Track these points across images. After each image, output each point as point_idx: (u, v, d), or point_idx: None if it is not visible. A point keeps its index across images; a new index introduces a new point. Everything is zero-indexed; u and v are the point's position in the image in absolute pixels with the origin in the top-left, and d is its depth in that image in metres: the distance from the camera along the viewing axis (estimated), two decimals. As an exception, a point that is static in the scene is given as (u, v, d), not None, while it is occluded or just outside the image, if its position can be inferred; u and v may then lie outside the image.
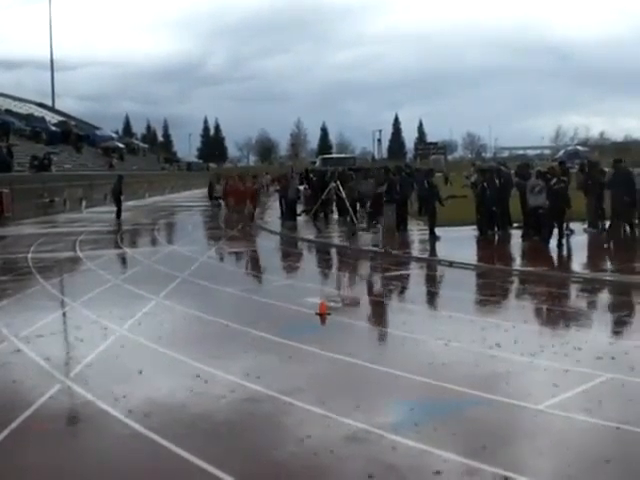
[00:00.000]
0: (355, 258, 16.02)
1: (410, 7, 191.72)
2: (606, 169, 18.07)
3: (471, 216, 18.46)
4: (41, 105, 68.81)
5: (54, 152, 42.91)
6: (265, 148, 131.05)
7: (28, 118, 52.03)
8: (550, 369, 6.71)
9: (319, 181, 26.71)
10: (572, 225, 17.00)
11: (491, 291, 11.50)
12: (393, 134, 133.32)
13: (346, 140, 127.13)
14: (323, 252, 17.71)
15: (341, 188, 22.96)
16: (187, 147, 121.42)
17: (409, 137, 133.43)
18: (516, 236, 17.24)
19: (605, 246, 15.86)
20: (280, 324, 8.92)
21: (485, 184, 17.70)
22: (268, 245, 19.78)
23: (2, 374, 7.14)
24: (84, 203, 37.06)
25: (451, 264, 13.75)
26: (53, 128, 52.27)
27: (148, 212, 35.27)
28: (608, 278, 11.70)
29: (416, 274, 13.84)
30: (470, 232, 17.97)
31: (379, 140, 62.92)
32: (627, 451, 4.89)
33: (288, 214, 25.38)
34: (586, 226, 17.77)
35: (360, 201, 24.27)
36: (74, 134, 53.57)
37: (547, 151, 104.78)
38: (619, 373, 6.44)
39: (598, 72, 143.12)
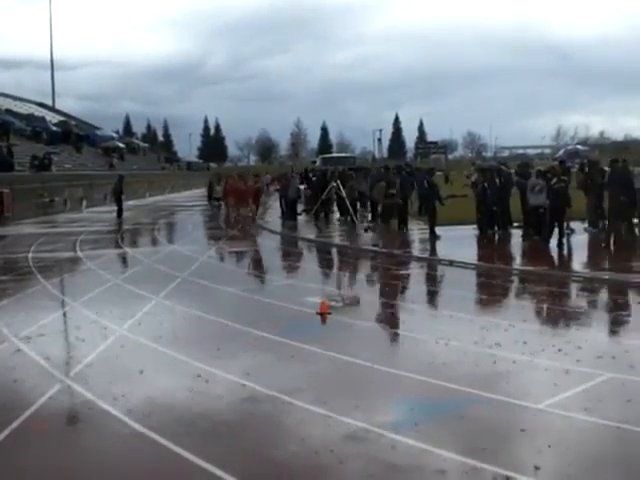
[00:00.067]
0: (355, 257, 16.03)
1: (410, 6, 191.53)
2: (606, 168, 18.06)
3: (471, 215, 18.45)
4: (41, 105, 68.82)
5: (54, 152, 42.91)
6: (265, 148, 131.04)
7: (28, 118, 52.04)
8: (550, 368, 6.71)
9: (319, 181, 26.72)
10: (572, 224, 17.01)
11: (491, 290, 11.50)
12: (393, 133, 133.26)
13: (346, 140, 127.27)
14: (323, 252, 17.71)
15: (341, 188, 22.98)
16: (187, 147, 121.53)
17: (409, 136, 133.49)
18: (516, 235, 17.24)
19: (604, 245, 15.85)
20: (281, 324, 8.92)
21: (486, 184, 17.69)
22: (269, 245, 19.77)
23: (2, 374, 7.15)
24: (84, 203, 37.08)
25: (451, 263, 13.75)
26: (53, 128, 52.26)
27: (148, 212, 35.28)
28: (608, 277, 11.69)
29: (416, 273, 13.83)
30: (470, 231, 17.96)
31: (379, 140, 62.80)
32: (627, 450, 4.89)
33: (288, 214, 25.38)
34: (586, 225, 17.77)
35: (360, 200, 24.36)
36: (74, 134, 53.60)
37: (547, 150, 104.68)
38: (619, 372, 6.44)
39: (598, 72, 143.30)
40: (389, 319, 9.66)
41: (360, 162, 50.61)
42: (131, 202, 38.24)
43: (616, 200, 16.11)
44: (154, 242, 22.09)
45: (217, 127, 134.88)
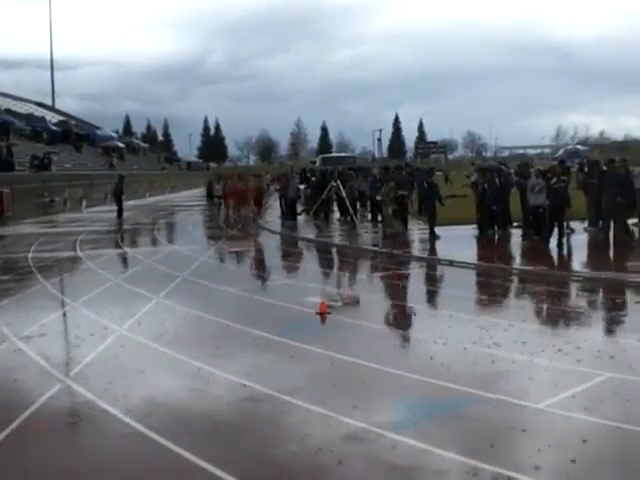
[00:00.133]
0: (355, 257, 16.03)
1: (410, 6, 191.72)
2: (605, 168, 18.04)
3: (471, 215, 18.45)
4: (41, 105, 68.79)
5: (54, 152, 42.92)
6: (265, 147, 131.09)
7: (28, 118, 52.05)
8: (550, 368, 6.71)
9: (319, 180, 26.73)
10: (572, 224, 17.01)
11: (491, 290, 11.50)
12: (393, 133, 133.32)
13: (346, 139, 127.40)
14: (323, 251, 17.71)
15: (341, 187, 22.98)
16: (187, 147, 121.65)
17: (409, 136, 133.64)
18: (516, 235, 17.24)
19: (602, 245, 15.83)
20: (280, 323, 8.92)
21: (485, 184, 17.69)
22: (268, 244, 19.76)
23: (2, 374, 7.15)
24: (84, 203, 37.08)
25: (451, 263, 13.75)
26: (53, 128, 52.27)
27: (148, 212, 35.28)
28: (608, 277, 11.70)
29: (416, 273, 13.84)
30: (470, 231, 17.96)
31: (379, 139, 62.85)
32: (627, 451, 4.89)
33: (288, 213, 25.38)
34: (586, 225, 17.77)
35: (360, 200, 24.37)
36: (74, 134, 53.61)
37: (547, 150, 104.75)
38: (619, 372, 6.44)
39: (598, 72, 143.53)
40: (389, 319, 9.66)
41: (360, 162, 50.66)
42: (131, 202, 38.23)
43: (613, 200, 16.06)
44: (154, 242, 22.09)
45: (217, 127, 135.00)
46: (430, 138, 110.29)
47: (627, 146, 72.91)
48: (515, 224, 18.19)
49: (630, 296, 10.55)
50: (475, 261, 14.18)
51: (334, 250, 17.74)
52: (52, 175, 36.43)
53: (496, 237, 17.70)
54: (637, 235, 16.75)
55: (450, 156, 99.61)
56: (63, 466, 4.93)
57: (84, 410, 5.94)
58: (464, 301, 10.28)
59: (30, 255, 17.15)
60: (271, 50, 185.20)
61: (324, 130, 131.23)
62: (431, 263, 14.50)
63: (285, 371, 7.00)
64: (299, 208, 26.42)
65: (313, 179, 29.48)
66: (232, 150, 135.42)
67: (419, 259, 15.03)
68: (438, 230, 17.73)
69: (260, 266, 15.99)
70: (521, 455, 4.84)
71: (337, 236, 20.00)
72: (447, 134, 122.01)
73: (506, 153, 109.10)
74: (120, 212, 29.24)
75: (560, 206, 15.31)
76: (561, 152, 70.13)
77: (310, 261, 16.59)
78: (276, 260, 17.01)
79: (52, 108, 69.26)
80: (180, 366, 7.16)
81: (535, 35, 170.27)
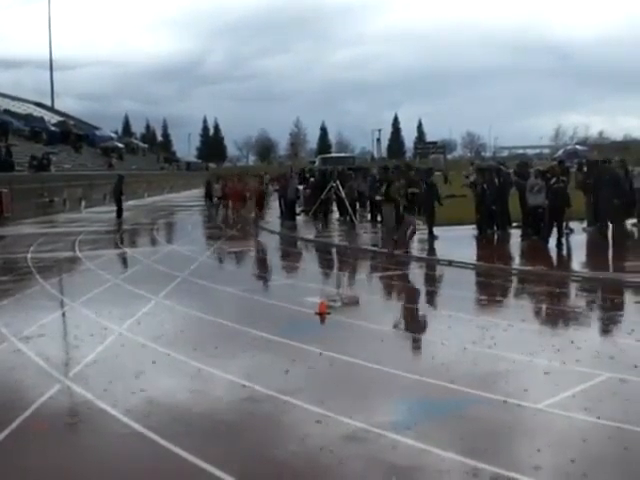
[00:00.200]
0: (355, 257, 16.03)
1: (410, 6, 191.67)
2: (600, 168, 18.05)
3: (470, 215, 18.46)
4: (40, 105, 68.78)
5: (53, 152, 42.91)
6: (264, 148, 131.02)
7: (27, 118, 52.04)
8: (549, 368, 6.71)
9: (319, 181, 26.73)
10: (571, 224, 17.02)
11: (490, 290, 11.50)
12: (392, 133, 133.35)
13: (345, 139, 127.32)
14: (323, 252, 17.72)
15: (341, 188, 22.98)
16: (186, 147, 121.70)
17: (408, 136, 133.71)
18: (515, 235, 17.24)
19: (600, 246, 15.83)
20: (280, 324, 8.92)
21: (485, 184, 17.69)
22: (268, 245, 19.76)
23: (2, 374, 7.15)
24: (83, 203, 37.07)
25: (450, 263, 13.75)
26: (52, 128, 52.26)
27: (147, 212, 35.27)
28: (607, 277, 11.71)
29: (415, 273, 13.84)
30: (469, 231, 17.97)
31: (378, 139, 63.11)
32: (627, 450, 4.89)
33: (287, 214, 25.38)
34: (585, 225, 17.78)
35: (359, 200, 24.37)
36: (73, 134, 53.60)
37: (546, 150, 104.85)
38: (618, 372, 6.44)
39: (598, 72, 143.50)
40: (388, 319, 9.65)
41: (359, 162, 50.68)
42: (130, 202, 38.21)
43: (608, 203, 16.03)
44: (153, 242, 22.10)
45: (216, 127, 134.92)
46: (429, 138, 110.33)
47: (627, 146, 72.84)
48: (514, 224, 18.20)
49: (629, 296, 10.56)
50: (474, 261, 14.18)
51: (333, 250, 17.74)
52: (51, 175, 36.42)
53: (495, 237, 17.71)
54: (637, 235, 16.76)
55: (449, 156, 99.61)
56: (63, 466, 4.93)
57: (83, 410, 5.94)
58: (463, 301, 10.29)
59: (29, 255, 17.14)
60: (271, 50, 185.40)
61: (323, 130, 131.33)
62: (430, 263, 14.50)
63: (284, 371, 6.99)
64: (298, 208, 26.43)
65: (312, 179, 29.49)
66: (231, 150, 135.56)
67: (418, 259, 15.03)
68: (436, 230, 17.73)
69: (259, 266, 15.99)
70: (521, 455, 4.85)
71: (336, 236, 20.00)
72: (446, 134, 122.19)
73: (505, 153, 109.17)
74: (119, 212, 29.26)
75: (559, 206, 15.33)
76: (560, 152, 70.22)
77: (309, 261, 16.59)
78: (275, 260, 17.01)
79: (51, 108, 69.26)
80: (180, 366, 7.15)
81: (535, 35, 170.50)
